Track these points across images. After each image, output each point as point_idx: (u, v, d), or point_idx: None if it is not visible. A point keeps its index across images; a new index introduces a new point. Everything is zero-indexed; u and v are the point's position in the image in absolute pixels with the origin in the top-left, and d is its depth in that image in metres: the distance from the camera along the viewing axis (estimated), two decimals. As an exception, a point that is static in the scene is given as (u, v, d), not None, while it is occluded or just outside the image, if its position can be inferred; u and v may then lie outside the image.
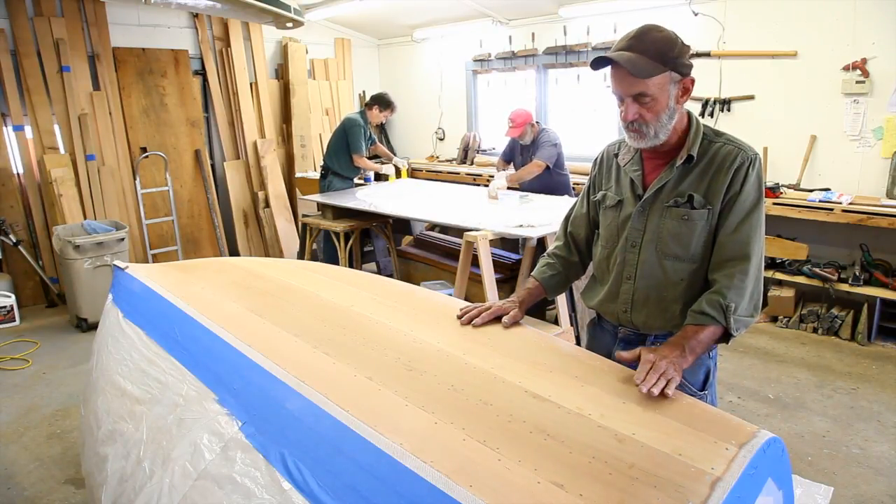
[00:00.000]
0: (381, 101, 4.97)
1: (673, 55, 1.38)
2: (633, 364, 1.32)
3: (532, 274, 1.77)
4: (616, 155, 1.62)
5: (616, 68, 1.39)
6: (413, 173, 6.46)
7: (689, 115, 1.50)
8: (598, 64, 1.41)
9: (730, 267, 1.41)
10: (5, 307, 4.53)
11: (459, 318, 1.64)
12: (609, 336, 1.67)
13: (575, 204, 1.79)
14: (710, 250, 1.47)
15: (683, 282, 1.49)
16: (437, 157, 6.93)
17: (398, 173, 5.46)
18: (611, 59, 1.37)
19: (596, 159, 1.72)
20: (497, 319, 1.63)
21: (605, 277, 1.64)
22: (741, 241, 1.42)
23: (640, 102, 1.40)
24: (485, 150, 6.46)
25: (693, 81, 1.44)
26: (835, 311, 4.03)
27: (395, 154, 5.95)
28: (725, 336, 1.41)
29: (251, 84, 6.16)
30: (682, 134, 1.48)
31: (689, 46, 1.44)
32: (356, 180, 5.20)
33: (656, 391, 1.20)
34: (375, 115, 4.98)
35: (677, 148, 1.48)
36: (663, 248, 1.49)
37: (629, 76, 1.37)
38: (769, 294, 4.28)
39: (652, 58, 1.36)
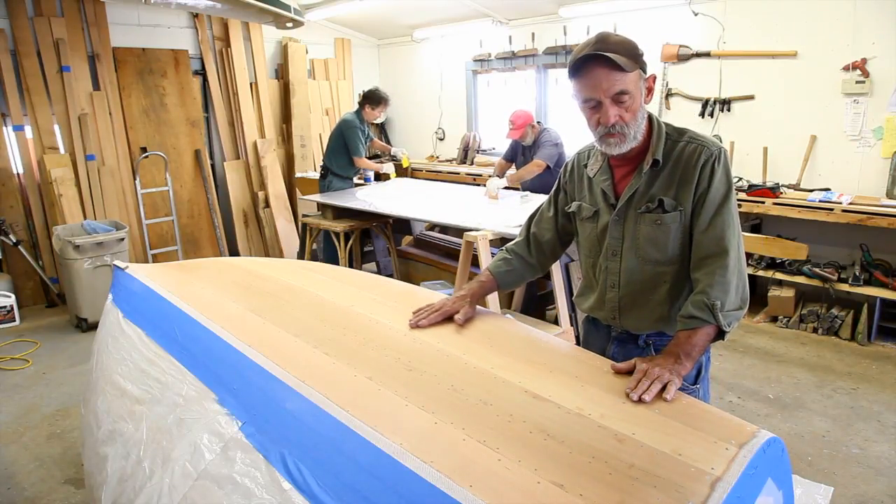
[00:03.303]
0: (372, 99, 4.84)
1: (638, 53, 1.41)
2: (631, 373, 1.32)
3: (487, 266, 1.77)
4: (585, 165, 1.62)
5: (596, 70, 1.37)
6: (413, 173, 6.47)
7: (650, 117, 1.50)
8: (581, 63, 1.38)
9: (709, 264, 1.41)
10: (5, 307, 4.53)
11: (411, 321, 1.63)
12: (603, 334, 1.68)
13: (542, 204, 1.78)
14: (688, 249, 1.48)
15: (667, 283, 1.51)
16: (437, 157, 6.93)
17: (398, 167, 5.41)
18: (598, 56, 1.35)
19: (566, 165, 1.71)
20: (449, 319, 1.63)
21: (593, 285, 1.66)
22: (716, 236, 1.42)
23: (619, 102, 1.39)
24: (485, 150, 6.46)
25: (654, 79, 1.47)
26: (835, 311, 4.03)
27: (394, 156, 5.88)
28: (719, 334, 1.41)
29: (251, 84, 6.16)
30: (646, 137, 1.48)
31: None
32: (356, 180, 5.19)
33: (647, 398, 1.20)
34: (369, 114, 4.88)
35: (643, 152, 1.49)
36: (642, 254, 1.50)
37: (611, 75, 1.36)
38: (769, 294, 4.28)
39: (624, 55, 1.37)
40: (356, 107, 5.02)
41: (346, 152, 4.90)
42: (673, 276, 1.50)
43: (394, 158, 5.45)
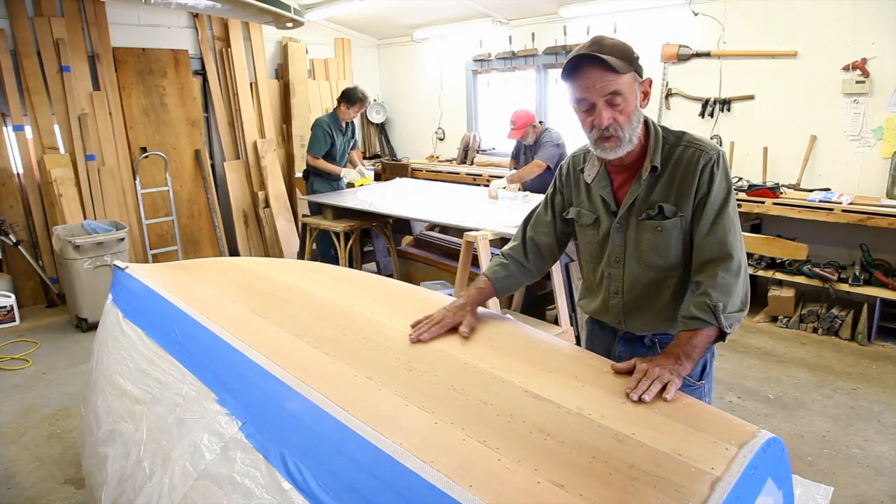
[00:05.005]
0: (346, 98, 4.64)
1: (633, 56, 1.40)
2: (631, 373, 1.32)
3: (484, 272, 1.73)
4: (581, 170, 1.61)
5: (589, 71, 1.37)
6: (413, 173, 6.47)
7: (646, 121, 1.49)
8: (575, 64, 1.38)
9: (712, 267, 1.41)
10: (5, 307, 4.53)
11: (411, 336, 1.54)
12: (608, 334, 1.68)
13: (536, 207, 1.76)
14: (689, 254, 1.48)
15: (670, 288, 1.51)
16: (437, 157, 6.93)
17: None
18: (591, 57, 1.35)
19: (561, 167, 1.70)
20: (452, 330, 1.56)
21: (594, 290, 1.66)
22: (719, 240, 1.42)
23: (613, 105, 1.38)
24: (485, 150, 6.46)
25: (651, 83, 1.46)
26: (835, 311, 4.03)
27: (394, 155, 5.76)
28: (720, 335, 1.40)
29: (251, 84, 6.16)
30: (643, 143, 1.48)
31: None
32: (348, 181, 5.02)
33: (647, 397, 1.20)
34: (344, 113, 4.69)
35: (640, 158, 1.48)
36: (645, 261, 1.51)
37: (605, 76, 1.35)
38: (769, 294, 4.28)
39: (619, 57, 1.36)
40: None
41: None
42: (676, 281, 1.51)
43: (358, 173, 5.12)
